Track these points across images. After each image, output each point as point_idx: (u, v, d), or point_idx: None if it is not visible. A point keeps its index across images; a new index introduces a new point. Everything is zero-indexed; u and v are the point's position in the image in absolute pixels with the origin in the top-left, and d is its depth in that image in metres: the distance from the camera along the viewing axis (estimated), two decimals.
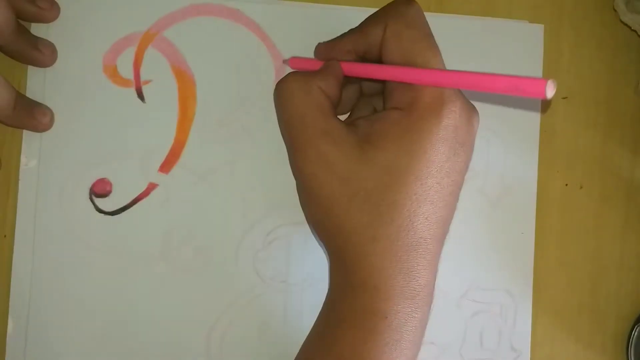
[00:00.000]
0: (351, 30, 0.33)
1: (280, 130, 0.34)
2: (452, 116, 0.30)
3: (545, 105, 0.41)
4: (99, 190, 0.37)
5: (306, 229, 0.38)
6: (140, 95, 0.38)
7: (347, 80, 0.34)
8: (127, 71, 0.37)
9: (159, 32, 0.38)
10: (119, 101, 0.37)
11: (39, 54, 0.36)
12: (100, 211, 0.37)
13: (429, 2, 0.40)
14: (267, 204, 0.38)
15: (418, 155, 0.30)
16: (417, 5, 0.32)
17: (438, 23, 0.39)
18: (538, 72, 0.40)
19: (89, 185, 0.37)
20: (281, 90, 0.32)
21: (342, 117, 0.37)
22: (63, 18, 0.37)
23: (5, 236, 0.37)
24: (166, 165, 0.38)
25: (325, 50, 0.34)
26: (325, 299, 0.33)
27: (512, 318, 0.40)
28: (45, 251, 0.37)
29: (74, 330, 0.37)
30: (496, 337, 0.40)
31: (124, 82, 0.37)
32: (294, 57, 0.37)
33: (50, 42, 0.37)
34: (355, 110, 0.37)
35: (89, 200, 0.37)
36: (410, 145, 0.30)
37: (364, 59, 0.33)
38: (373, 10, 0.33)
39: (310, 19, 0.39)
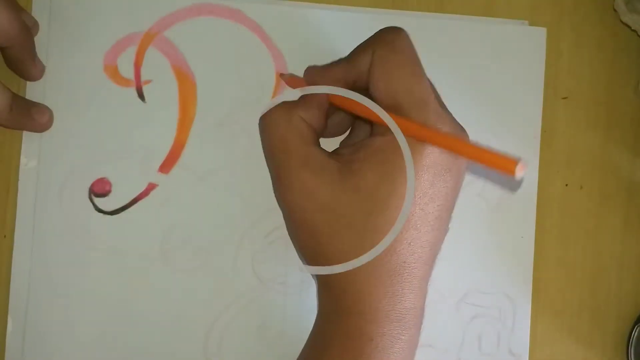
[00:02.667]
0: (341, 59, 0.33)
1: (266, 161, 0.34)
2: None
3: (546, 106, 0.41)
4: (99, 189, 0.37)
5: None
6: (141, 95, 0.38)
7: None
8: (127, 71, 0.38)
9: (159, 32, 0.38)
10: (120, 101, 0.37)
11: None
12: (100, 211, 0.37)
13: (429, 2, 0.40)
14: (267, 205, 0.38)
15: (399, 182, 0.30)
16: (404, 32, 0.32)
17: (438, 24, 0.39)
18: (540, 75, 0.40)
19: (89, 184, 0.37)
20: (264, 121, 0.33)
21: (340, 139, 0.37)
22: (64, 17, 0.37)
23: (5, 236, 0.37)
24: (166, 165, 0.38)
25: (315, 76, 0.34)
26: (314, 324, 0.33)
27: (511, 322, 0.40)
28: (44, 251, 0.37)
29: (73, 330, 0.36)
30: (495, 341, 0.40)
31: (124, 82, 0.38)
32: (289, 75, 0.37)
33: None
34: (352, 132, 0.37)
35: (88, 199, 0.37)
36: (392, 172, 0.30)
37: (353, 88, 0.33)
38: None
39: (312, 20, 0.39)
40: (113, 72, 0.37)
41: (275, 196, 0.34)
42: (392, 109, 0.31)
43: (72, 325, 0.37)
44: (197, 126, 0.38)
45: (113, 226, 0.37)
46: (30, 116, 0.36)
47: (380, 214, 0.30)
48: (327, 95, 0.33)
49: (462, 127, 0.32)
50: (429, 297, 0.38)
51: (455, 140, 0.30)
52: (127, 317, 0.37)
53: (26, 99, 0.36)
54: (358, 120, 0.36)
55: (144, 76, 0.38)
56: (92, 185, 0.37)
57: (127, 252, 0.37)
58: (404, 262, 0.30)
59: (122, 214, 0.37)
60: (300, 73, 0.38)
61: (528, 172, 0.40)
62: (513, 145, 0.40)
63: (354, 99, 0.32)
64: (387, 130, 0.31)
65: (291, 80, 0.37)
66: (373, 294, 0.30)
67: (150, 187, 0.37)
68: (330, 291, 0.32)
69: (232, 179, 0.38)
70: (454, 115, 0.32)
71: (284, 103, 0.33)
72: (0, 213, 0.37)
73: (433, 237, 0.31)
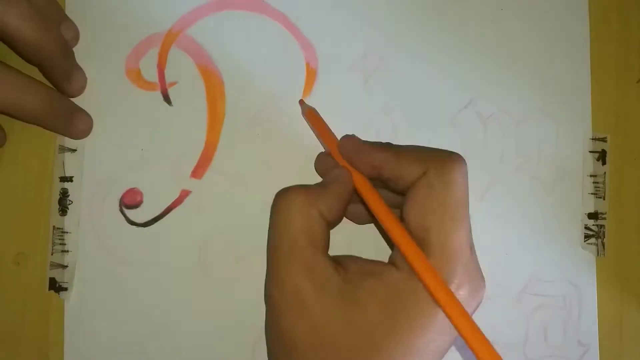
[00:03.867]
0: (386, 147, 0.30)
1: (267, 245, 0.30)
2: (455, 291, 0.27)
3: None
4: (129, 201, 0.35)
5: (348, 228, 0.35)
6: (167, 98, 0.36)
7: None
8: (151, 74, 0.36)
9: (182, 31, 0.36)
10: (145, 105, 0.35)
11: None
12: (132, 223, 0.35)
13: None
14: None
15: (402, 329, 0.27)
16: (464, 166, 0.29)
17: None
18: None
19: (119, 196, 0.35)
20: (279, 203, 0.29)
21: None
22: (80, 23, 0.35)
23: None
24: (198, 170, 0.35)
25: (350, 149, 0.31)
26: None
27: (577, 310, 0.37)
28: (77, 268, 0.35)
29: (110, 348, 0.34)
30: (561, 332, 0.37)
31: (148, 86, 0.36)
32: (309, 108, 0.34)
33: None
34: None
35: (119, 212, 0.35)
36: (397, 316, 0.27)
37: (386, 185, 0.30)
38: None
39: (339, 6, 0.37)
40: (136, 76, 0.36)
41: (264, 290, 0.30)
42: (419, 241, 0.28)
43: (108, 343, 0.34)
44: (227, 126, 0.36)
45: (147, 238, 0.35)
46: (71, 121, 0.34)
47: (374, 350, 0.27)
48: (356, 185, 0.30)
49: (482, 276, 0.29)
50: (487, 291, 0.36)
51: (466, 323, 0.27)
52: (168, 333, 0.35)
53: (71, 103, 0.35)
54: None
55: (168, 78, 0.36)
56: (123, 196, 0.35)
57: (163, 265, 0.35)
58: None
59: (156, 224, 0.35)
60: (332, 64, 0.36)
61: (582, 149, 0.38)
62: (565, 123, 0.38)
63: (388, 216, 0.29)
64: (405, 265, 0.28)
65: (310, 116, 0.34)
66: None
67: (184, 194, 0.35)
68: None
69: (268, 179, 0.36)
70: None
71: (307, 188, 0.30)
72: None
73: None
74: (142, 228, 0.35)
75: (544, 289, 0.37)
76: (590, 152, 0.38)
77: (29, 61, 0.33)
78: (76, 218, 0.35)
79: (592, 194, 0.38)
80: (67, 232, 0.35)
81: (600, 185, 0.38)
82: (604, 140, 0.38)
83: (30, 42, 0.31)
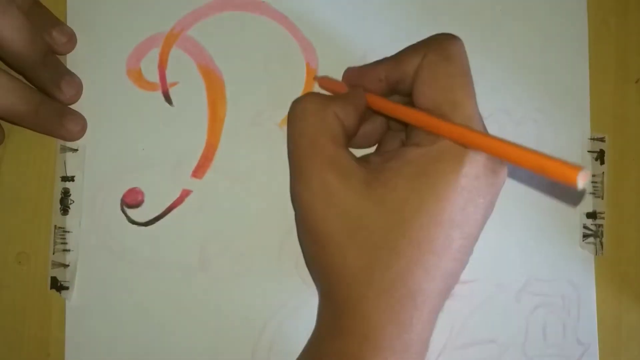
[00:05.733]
0: (386, 58, 0.31)
1: (287, 152, 0.31)
2: (475, 164, 0.27)
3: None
4: (131, 200, 0.35)
5: None
6: (168, 99, 0.36)
7: (374, 112, 0.32)
8: (152, 74, 0.36)
9: (183, 31, 0.36)
10: (146, 106, 0.36)
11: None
12: (133, 222, 0.35)
13: None
14: None
15: (429, 200, 0.27)
16: (460, 42, 0.30)
17: None
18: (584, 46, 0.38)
19: (120, 195, 0.35)
20: (295, 109, 0.30)
21: (369, 150, 0.35)
22: (81, 23, 0.36)
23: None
24: (199, 170, 0.36)
25: (355, 76, 0.32)
26: (311, 336, 0.31)
27: (576, 309, 0.37)
28: (79, 268, 0.35)
29: (111, 347, 0.35)
30: (560, 331, 0.37)
31: (149, 86, 0.36)
32: (323, 77, 0.35)
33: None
34: (381, 145, 0.35)
35: (120, 211, 0.35)
36: (423, 188, 0.27)
37: (395, 89, 0.31)
38: None
39: (339, 6, 0.37)
40: (137, 77, 0.36)
41: (291, 193, 0.31)
42: None
43: (109, 342, 0.35)
44: (228, 127, 0.36)
45: (148, 238, 0.35)
46: (60, 123, 0.34)
47: (403, 232, 0.27)
48: (366, 95, 0.31)
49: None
50: (486, 291, 0.37)
51: (506, 144, 0.26)
52: (169, 332, 0.35)
53: (60, 105, 0.35)
54: (389, 133, 0.34)
55: (169, 78, 0.36)
56: (124, 196, 0.35)
57: (165, 264, 0.35)
58: (418, 289, 0.28)
59: (157, 224, 0.35)
60: (332, 64, 0.37)
61: (580, 149, 0.38)
62: (563, 124, 0.38)
63: (403, 106, 0.30)
64: (423, 140, 0.28)
65: (325, 82, 0.35)
66: (380, 318, 0.28)
67: (185, 193, 0.35)
68: (333, 307, 0.29)
69: (269, 180, 0.36)
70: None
71: (319, 95, 0.31)
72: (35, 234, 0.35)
73: (452, 267, 0.28)
74: (143, 227, 0.35)
75: (543, 289, 0.37)
76: (588, 151, 0.38)
77: (12, 68, 0.33)
78: (78, 217, 0.35)
79: (590, 193, 0.38)
80: (68, 232, 0.35)
81: (599, 185, 0.38)
82: (602, 140, 0.38)
83: (16, 52, 0.31)
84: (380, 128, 0.34)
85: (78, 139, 0.35)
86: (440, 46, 0.29)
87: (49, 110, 0.34)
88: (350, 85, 0.33)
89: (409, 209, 0.27)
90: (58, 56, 0.35)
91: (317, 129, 0.29)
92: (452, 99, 0.28)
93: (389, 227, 0.28)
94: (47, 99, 0.34)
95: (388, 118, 0.33)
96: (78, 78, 0.35)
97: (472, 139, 0.27)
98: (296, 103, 0.30)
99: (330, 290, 0.29)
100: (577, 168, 0.23)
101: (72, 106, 0.35)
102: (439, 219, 0.27)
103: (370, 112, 0.32)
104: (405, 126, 0.31)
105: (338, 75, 0.35)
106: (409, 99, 0.30)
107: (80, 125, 0.35)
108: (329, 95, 0.31)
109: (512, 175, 0.37)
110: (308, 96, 0.31)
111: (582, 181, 0.23)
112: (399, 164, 0.28)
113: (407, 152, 0.28)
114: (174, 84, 0.36)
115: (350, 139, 0.31)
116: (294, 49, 0.37)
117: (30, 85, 0.34)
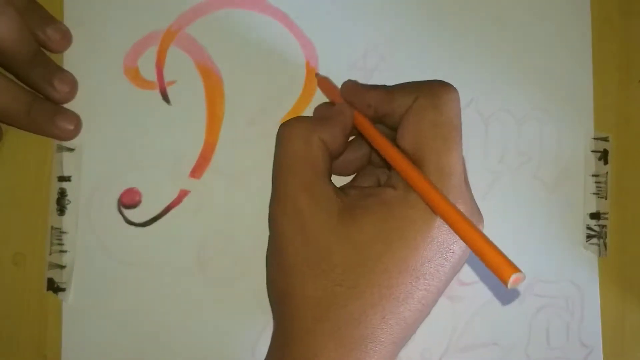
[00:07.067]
0: (381, 86, 0.31)
1: (272, 173, 0.31)
2: None
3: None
4: (128, 200, 0.35)
5: None
6: (165, 97, 0.35)
7: (358, 143, 0.32)
8: (149, 72, 0.35)
9: (181, 29, 0.36)
10: (143, 104, 0.35)
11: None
12: (131, 223, 0.35)
13: None
14: None
15: (396, 245, 0.27)
16: (455, 92, 0.29)
17: None
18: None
19: (117, 196, 0.35)
20: (282, 132, 0.30)
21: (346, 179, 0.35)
22: (78, 20, 0.35)
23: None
24: (197, 170, 0.35)
25: (350, 90, 0.32)
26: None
27: (580, 311, 0.37)
28: (76, 269, 0.34)
29: (108, 348, 0.34)
30: (564, 333, 0.37)
31: (147, 84, 0.35)
32: (324, 77, 0.35)
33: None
34: (358, 177, 0.34)
35: (117, 212, 0.35)
36: (392, 233, 0.27)
37: (382, 121, 0.31)
38: None
39: (340, 4, 0.37)
40: (134, 75, 0.35)
41: (268, 213, 0.31)
42: (414, 162, 0.28)
43: (106, 343, 0.34)
44: (226, 126, 0.36)
45: (146, 238, 0.35)
46: (53, 122, 0.34)
47: (364, 273, 0.27)
48: (353, 119, 0.31)
49: (479, 210, 0.29)
50: (489, 292, 0.36)
51: (461, 221, 0.26)
52: (167, 333, 0.34)
53: (53, 105, 0.34)
54: (368, 168, 0.34)
55: (167, 77, 0.35)
56: (121, 196, 0.35)
57: (162, 265, 0.35)
58: (371, 335, 0.27)
59: (155, 224, 0.35)
60: (332, 62, 0.36)
61: (584, 148, 0.37)
62: (567, 123, 0.38)
63: (385, 140, 0.29)
64: (400, 184, 0.28)
65: (323, 83, 0.35)
66: (325, 357, 0.27)
67: (182, 194, 0.35)
68: (284, 337, 0.29)
69: (267, 179, 0.35)
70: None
71: (309, 118, 0.31)
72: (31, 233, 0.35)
73: (411, 317, 0.28)
74: (141, 228, 0.35)
75: (546, 290, 0.37)
76: (592, 151, 0.38)
77: (3, 68, 0.33)
78: (74, 218, 0.34)
79: (594, 193, 0.38)
80: (65, 232, 0.34)
81: (602, 185, 0.38)
82: (606, 139, 0.38)
83: (7, 51, 0.31)
84: (362, 159, 0.34)
85: (72, 138, 0.35)
86: (433, 93, 0.29)
87: (41, 109, 0.33)
88: (344, 96, 0.32)
89: (375, 250, 0.27)
90: (54, 55, 0.35)
91: (299, 155, 0.29)
92: (432, 147, 0.28)
93: (352, 265, 0.27)
94: (40, 98, 0.33)
95: (371, 150, 0.33)
96: (72, 75, 0.34)
97: (434, 201, 0.27)
98: (284, 126, 0.30)
99: (284, 318, 0.29)
100: (513, 270, 0.24)
101: (69, 105, 0.35)
102: (404, 266, 0.27)
103: (356, 140, 0.32)
104: (387, 164, 0.31)
105: (338, 75, 0.35)
106: (394, 133, 0.30)
107: (74, 124, 0.34)
108: (316, 119, 0.31)
109: (513, 175, 0.37)
110: (295, 120, 0.30)
111: (513, 284, 0.24)
112: (373, 202, 0.28)
113: (383, 193, 0.28)
114: (171, 82, 0.35)
115: (336, 159, 0.31)
116: (293, 47, 0.36)
117: (23, 85, 0.33)
